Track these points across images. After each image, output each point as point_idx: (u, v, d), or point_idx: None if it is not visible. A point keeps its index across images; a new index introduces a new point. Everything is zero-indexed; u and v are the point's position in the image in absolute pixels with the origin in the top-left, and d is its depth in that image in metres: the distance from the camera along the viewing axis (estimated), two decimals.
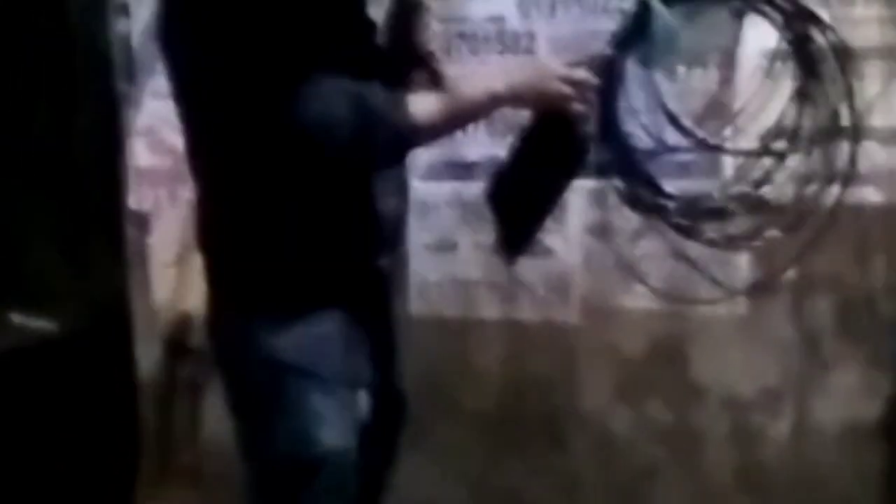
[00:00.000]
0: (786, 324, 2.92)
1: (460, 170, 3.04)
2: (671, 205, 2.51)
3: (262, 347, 2.06)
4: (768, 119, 2.73)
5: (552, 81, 2.06)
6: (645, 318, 3.01)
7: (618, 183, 2.33)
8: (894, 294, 2.84)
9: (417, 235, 3.03)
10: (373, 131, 1.93)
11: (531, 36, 2.94)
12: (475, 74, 2.06)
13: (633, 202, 2.41)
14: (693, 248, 2.82)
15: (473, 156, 3.00)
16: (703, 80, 2.80)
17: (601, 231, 2.96)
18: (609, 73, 2.13)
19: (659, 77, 2.76)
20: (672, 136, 2.74)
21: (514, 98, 2.08)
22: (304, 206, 2.02)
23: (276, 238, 2.05)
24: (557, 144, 2.12)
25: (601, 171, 2.27)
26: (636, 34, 2.22)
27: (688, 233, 2.52)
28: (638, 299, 2.98)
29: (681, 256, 2.70)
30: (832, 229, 2.71)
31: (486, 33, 2.97)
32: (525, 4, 2.94)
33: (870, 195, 2.77)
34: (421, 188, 2.91)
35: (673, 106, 2.73)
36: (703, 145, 2.68)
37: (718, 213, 2.66)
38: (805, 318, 2.91)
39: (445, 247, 3.12)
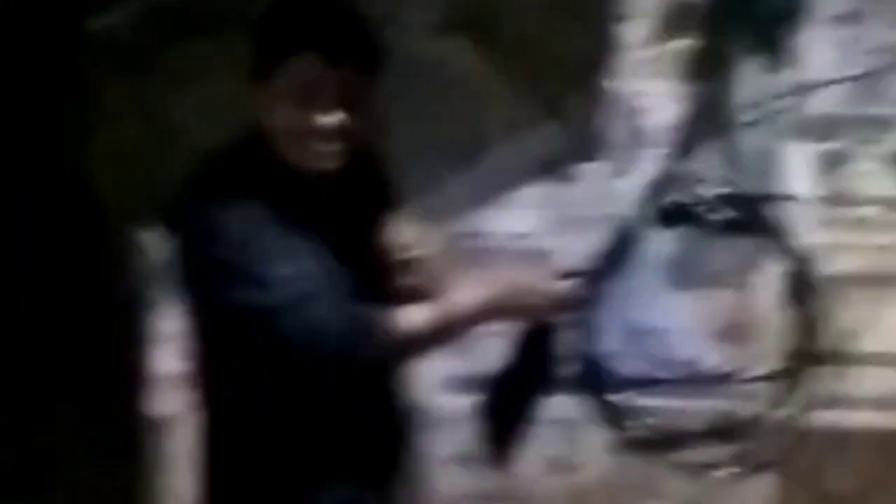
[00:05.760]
0: None
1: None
2: (636, 425, 2.54)
3: None
4: (767, 344, 2.82)
5: (530, 295, 2.05)
6: None
7: (589, 399, 2.35)
8: None
9: (437, 448, 3.06)
10: (358, 346, 1.89)
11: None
12: (458, 288, 2.08)
13: (602, 419, 2.43)
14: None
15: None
16: (721, 301, 2.95)
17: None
18: (591, 288, 2.17)
19: (685, 296, 2.88)
20: (645, 359, 2.79)
21: (495, 311, 2.03)
22: (290, 428, 1.99)
23: (263, 462, 2.01)
24: (536, 357, 2.13)
25: (576, 386, 2.30)
26: (620, 251, 2.26)
27: (653, 454, 2.53)
28: None
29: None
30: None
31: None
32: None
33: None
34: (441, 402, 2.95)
35: (690, 325, 2.85)
36: (676, 371, 2.76)
37: (686, 438, 2.68)
38: None
39: (465, 460, 3.15)
